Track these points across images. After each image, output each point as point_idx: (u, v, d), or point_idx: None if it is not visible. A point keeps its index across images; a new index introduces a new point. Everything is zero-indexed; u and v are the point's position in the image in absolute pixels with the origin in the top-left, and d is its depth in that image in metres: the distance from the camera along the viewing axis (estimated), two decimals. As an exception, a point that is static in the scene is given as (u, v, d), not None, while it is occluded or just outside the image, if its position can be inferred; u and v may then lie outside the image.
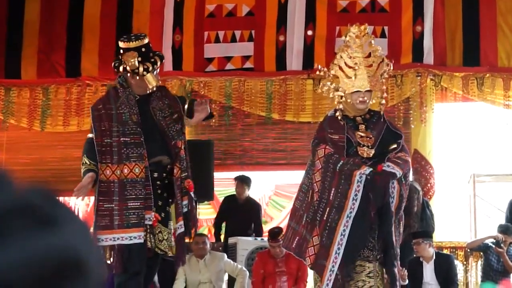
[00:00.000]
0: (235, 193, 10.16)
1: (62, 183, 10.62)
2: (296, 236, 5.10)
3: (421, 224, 8.56)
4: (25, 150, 11.10)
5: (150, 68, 5.24)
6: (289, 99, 10.48)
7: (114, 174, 5.14)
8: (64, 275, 0.72)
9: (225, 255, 8.86)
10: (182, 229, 5.24)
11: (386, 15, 10.36)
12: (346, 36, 5.27)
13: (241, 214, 9.82)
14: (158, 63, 5.33)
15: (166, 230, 5.27)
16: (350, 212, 4.81)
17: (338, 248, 4.81)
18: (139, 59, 5.21)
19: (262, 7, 10.64)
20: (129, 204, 5.10)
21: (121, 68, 5.28)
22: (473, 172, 10.87)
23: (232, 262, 8.76)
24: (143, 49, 5.26)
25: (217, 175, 10.01)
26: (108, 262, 8.90)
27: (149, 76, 5.24)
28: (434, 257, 8.42)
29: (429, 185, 9.91)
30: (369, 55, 5.16)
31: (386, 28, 10.28)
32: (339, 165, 4.86)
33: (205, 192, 9.41)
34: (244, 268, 8.72)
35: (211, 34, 10.71)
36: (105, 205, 5.13)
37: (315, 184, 4.95)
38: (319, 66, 5.32)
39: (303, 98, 10.44)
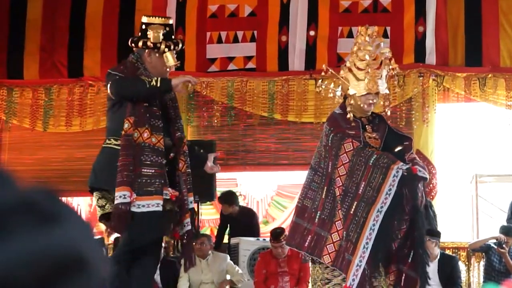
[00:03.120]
0: None
1: (64, 183, 10.64)
2: (309, 235, 5.05)
3: (423, 224, 8.56)
4: (27, 150, 11.12)
5: (172, 47, 5.05)
6: (291, 99, 10.48)
7: (129, 130, 4.78)
8: (65, 272, 0.72)
9: (228, 256, 8.86)
10: (189, 227, 5.01)
11: (388, 15, 10.36)
12: (356, 38, 5.26)
13: (238, 226, 9.78)
14: (180, 46, 5.14)
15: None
16: (381, 207, 4.75)
17: (367, 243, 4.74)
18: (162, 37, 5.03)
19: (264, 7, 10.65)
20: (143, 170, 4.74)
21: (140, 43, 5.03)
22: (476, 172, 10.87)
23: (234, 265, 8.75)
24: (167, 28, 5.09)
25: (219, 175, 10.00)
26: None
27: (169, 54, 5.03)
28: (438, 257, 8.42)
29: (431, 185, 9.90)
30: (378, 57, 5.16)
31: (388, 28, 10.27)
32: (372, 159, 4.81)
33: (207, 193, 9.42)
34: (243, 274, 8.71)
35: (213, 34, 10.72)
36: (121, 159, 4.73)
37: (338, 178, 4.85)
38: (326, 67, 5.30)
39: (306, 99, 10.44)
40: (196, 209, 5.21)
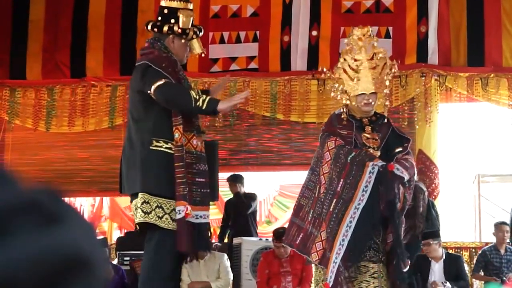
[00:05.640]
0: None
1: (67, 184, 10.64)
2: (301, 232, 5.06)
3: (426, 224, 8.54)
4: (30, 150, 11.12)
5: (198, 33, 4.82)
6: (294, 99, 10.49)
7: (180, 140, 4.54)
8: (68, 273, 0.72)
9: (225, 256, 8.86)
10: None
11: (391, 15, 10.36)
12: (349, 38, 5.24)
13: (242, 211, 9.88)
14: (202, 32, 4.92)
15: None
16: (359, 204, 4.75)
17: (343, 240, 4.74)
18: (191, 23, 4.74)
19: (266, 7, 10.65)
20: (196, 179, 4.61)
21: (165, 28, 4.68)
22: (478, 172, 10.89)
23: (226, 266, 8.73)
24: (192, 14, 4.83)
25: (221, 175, 9.99)
26: (113, 262, 8.93)
27: (195, 41, 4.79)
28: (443, 257, 8.39)
29: (433, 185, 9.90)
30: (372, 57, 5.14)
31: (390, 28, 10.28)
32: (350, 156, 4.81)
33: (210, 193, 9.42)
34: (229, 278, 8.70)
35: (216, 34, 10.72)
36: (177, 171, 4.51)
37: (322, 176, 4.89)
38: (324, 69, 5.29)
39: (308, 99, 10.44)
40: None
